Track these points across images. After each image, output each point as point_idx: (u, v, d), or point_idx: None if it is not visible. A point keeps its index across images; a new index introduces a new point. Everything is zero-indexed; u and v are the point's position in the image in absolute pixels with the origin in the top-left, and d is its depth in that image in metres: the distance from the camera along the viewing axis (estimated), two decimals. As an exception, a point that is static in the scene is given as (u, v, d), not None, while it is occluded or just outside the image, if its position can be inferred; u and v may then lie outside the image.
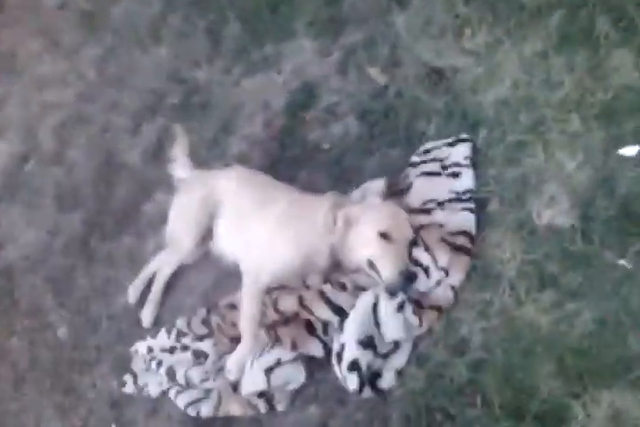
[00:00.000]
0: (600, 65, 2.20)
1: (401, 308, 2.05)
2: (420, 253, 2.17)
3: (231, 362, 2.21)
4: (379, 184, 2.29)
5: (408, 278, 2.08)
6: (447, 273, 2.11)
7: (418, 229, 2.23)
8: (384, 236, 2.13)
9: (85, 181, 3.50)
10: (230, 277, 2.52)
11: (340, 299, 2.21)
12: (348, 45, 2.94)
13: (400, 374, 2.01)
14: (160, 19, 3.87)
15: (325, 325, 2.17)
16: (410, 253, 2.15)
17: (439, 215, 2.26)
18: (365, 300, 2.11)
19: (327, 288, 2.25)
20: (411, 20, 2.75)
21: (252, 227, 2.45)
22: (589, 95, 2.16)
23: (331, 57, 2.98)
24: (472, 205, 2.22)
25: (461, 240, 2.16)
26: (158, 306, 2.77)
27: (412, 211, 2.30)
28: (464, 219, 2.20)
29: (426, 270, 2.13)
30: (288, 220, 2.36)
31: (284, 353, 2.15)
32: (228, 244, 2.57)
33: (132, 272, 2.92)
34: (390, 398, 2.00)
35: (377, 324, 2.06)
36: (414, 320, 2.05)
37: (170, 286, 2.80)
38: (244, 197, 2.55)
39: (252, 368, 2.15)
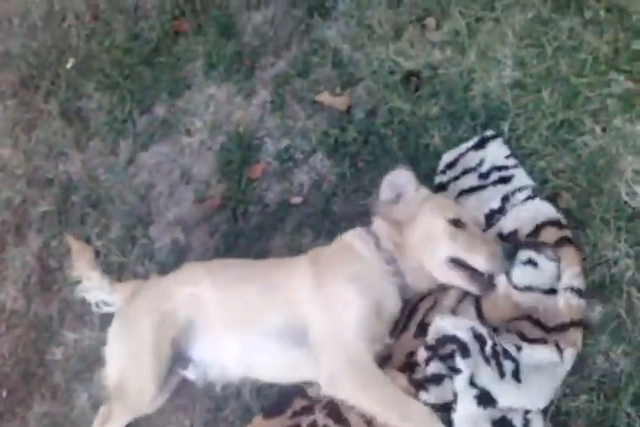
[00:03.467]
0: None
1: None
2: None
3: None
4: (405, 174, 1.74)
5: (509, 254, 1.61)
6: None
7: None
8: (455, 223, 1.67)
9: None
10: (228, 403, 1.95)
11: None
12: (273, 77, 2.36)
13: None
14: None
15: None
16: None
17: (506, 222, 1.76)
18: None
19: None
20: (346, 30, 2.27)
21: (280, 311, 1.73)
22: (622, 47, 1.83)
23: (256, 95, 2.37)
24: (532, 193, 1.76)
25: (552, 232, 1.66)
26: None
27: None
28: (536, 208, 1.73)
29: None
30: (331, 275, 1.70)
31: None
32: (233, 360, 1.80)
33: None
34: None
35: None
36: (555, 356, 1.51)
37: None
38: (232, 299, 1.81)
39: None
